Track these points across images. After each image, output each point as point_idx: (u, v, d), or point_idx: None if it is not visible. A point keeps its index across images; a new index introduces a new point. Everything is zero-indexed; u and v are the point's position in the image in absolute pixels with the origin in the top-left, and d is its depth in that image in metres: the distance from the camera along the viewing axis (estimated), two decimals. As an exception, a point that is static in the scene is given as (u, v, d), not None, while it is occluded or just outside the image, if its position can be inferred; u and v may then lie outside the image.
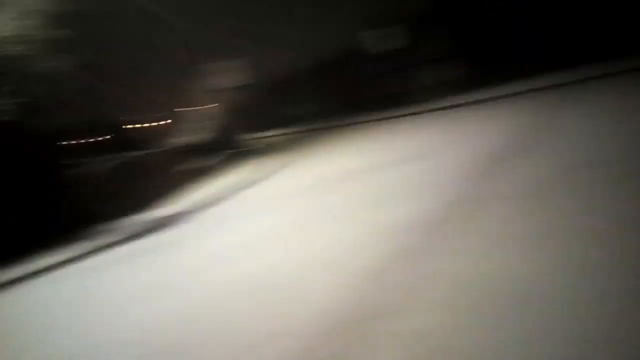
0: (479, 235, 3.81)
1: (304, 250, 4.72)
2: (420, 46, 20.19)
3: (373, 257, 3.95)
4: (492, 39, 17.34)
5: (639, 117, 6.29)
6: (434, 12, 19.50)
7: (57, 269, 7.27)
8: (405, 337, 2.62)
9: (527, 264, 3.07)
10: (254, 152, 23.38)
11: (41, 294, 6.20)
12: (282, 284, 3.94)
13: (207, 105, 31.36)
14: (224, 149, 23.77)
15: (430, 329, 2.63)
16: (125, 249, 7.62)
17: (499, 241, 3.57)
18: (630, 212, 3.40)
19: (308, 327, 3.02)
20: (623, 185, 3.96)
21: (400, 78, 21.70)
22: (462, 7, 18.61)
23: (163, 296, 4.56)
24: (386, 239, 4.32)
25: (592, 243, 3.10)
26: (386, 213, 5.23)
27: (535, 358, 2.19)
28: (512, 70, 15.58)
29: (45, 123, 10.40)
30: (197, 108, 33.85)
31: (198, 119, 31.70)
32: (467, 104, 14.75)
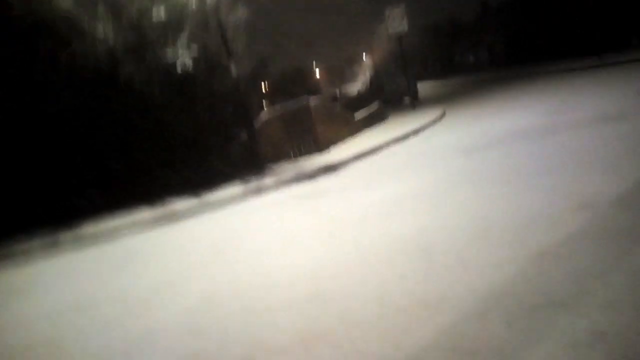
0: None
1: (481, 217, 4.13)
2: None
3: (563, 236, 3.18)
4: None
5: None
6: None
7: (235, 202, 8.02)
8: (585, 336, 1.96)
9: None
10: (427, 101, 22.35)
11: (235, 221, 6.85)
12: (440, 250, 3.47)
13: (385, 54, 31.13)
14: (403, 97, 23.25)
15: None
16: (292, 190, 7.96)
17: None
18: None
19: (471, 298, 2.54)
20: None
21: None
22: None
23: (323, 242, 4.52)
24: (588, 216, 3.45)
25: None
26: (588, 182, 4.22)
27: None
28: None
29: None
30: (375, 57, 33.91)
31: (376, 67, 31.60)
32: None
